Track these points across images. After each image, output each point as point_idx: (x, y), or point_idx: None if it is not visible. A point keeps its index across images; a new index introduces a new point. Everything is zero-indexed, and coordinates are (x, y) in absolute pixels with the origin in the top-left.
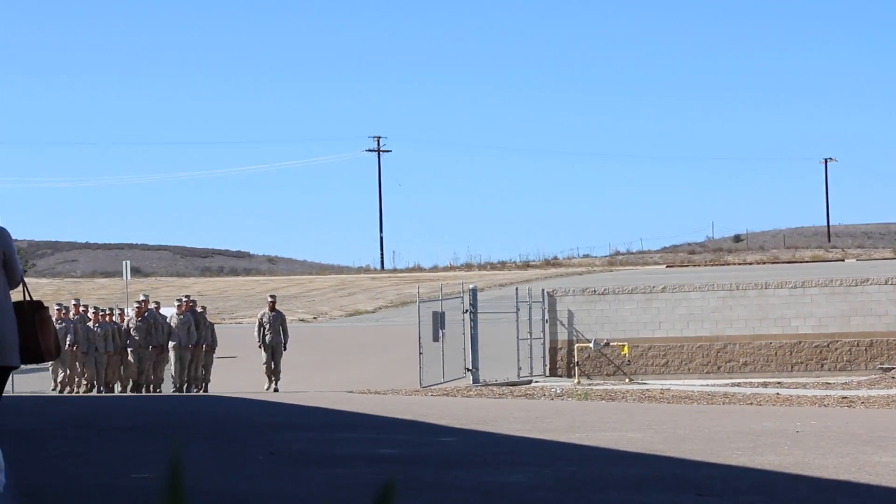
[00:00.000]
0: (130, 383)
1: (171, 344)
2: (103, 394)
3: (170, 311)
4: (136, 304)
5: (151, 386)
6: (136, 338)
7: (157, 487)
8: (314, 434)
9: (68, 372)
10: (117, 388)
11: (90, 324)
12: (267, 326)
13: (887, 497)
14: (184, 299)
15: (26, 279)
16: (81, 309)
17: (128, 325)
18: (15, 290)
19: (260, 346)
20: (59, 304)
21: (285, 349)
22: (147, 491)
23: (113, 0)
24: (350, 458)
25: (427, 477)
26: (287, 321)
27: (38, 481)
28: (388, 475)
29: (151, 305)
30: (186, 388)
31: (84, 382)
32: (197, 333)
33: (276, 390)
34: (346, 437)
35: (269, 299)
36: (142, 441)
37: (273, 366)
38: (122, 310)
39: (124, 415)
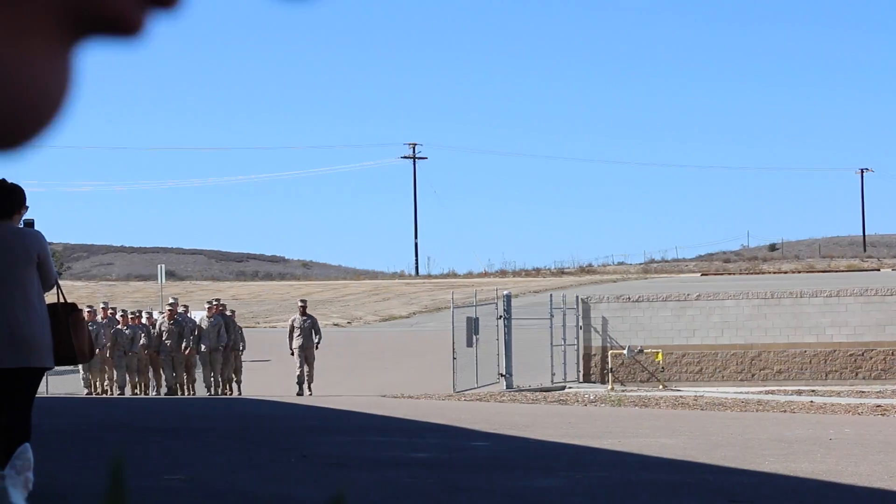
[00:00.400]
0: (164, 386)
1: (202, 347)
2: (135, 396)
3: (199, 315)
4: (167, 307)
5: (184, 389)
6: (168, 341)
7: (188, 489)
8: (347, 437)
9: (99, 374)
10: (152, 391)
11: (119, 326)
12: (298, 332)
13: None
14: (214, 302)
15: (61, 282)
16: (110, 312)
17: (159, 329)
18: (49, 292)
19: (292, 353)
20: (89, 307)
21: (317, 348)
22: (177, 492)
23: None
24: (382, 462)
25: (459, 481)
26: (320, 324)
27: (70, 481)
28: (420, 479)
29: (180, 309)
30: (219, 391)
31: (115, 385)
32: (227, 336)
33: (310, 394)
34: (378, 441)
35: (300, 304)
36: (174, 443)
37: (307, 369)
38: (150, 313)
39: (156, 417)
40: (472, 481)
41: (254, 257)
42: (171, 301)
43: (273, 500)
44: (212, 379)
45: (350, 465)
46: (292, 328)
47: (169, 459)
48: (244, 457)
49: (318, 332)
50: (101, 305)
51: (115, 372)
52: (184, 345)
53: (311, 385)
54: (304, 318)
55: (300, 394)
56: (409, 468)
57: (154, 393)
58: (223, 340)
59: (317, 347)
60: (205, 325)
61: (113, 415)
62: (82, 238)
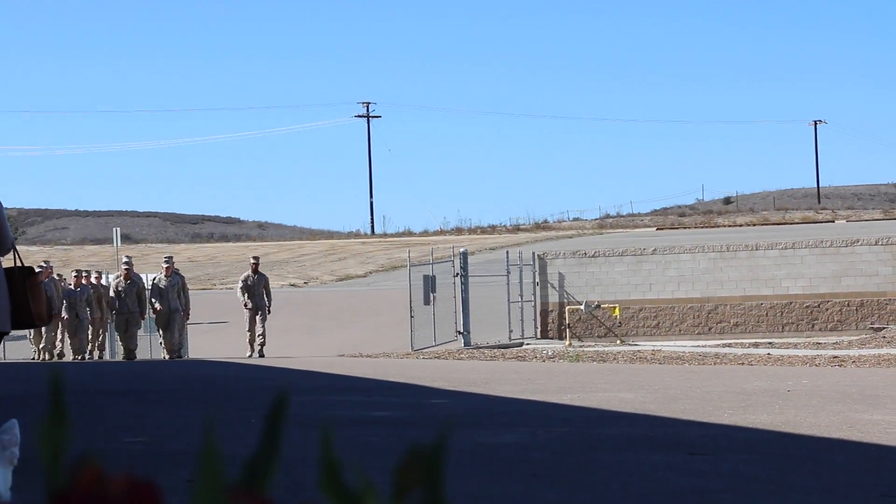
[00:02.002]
0: (122, 350)
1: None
2: (90, 359)
3: (152, 276)
4: (124, 267)
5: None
6: (128, 302)
7: (149, 451)
8: (305, 397)
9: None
10: (105, 354)
11: (71, 287)
12: (250, 290)
13: (878, 454)
14: (171, 261)
15: (17, 247)
16: (53, 273)
17: (117, 289)
18: (6, 256)
19: (246, 305)
20: (44, 262)
21: (269, 312)
22: (138, 454)
23: None
24: (342, 421)
25: (420, 439)
26: (270, 284)
27: (30, 444)
28: (380, 437)
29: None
30: (177, 355)
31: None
32: (186, 297)
33: (261, 355)
34: (337, 400)
35: (252, 261)
36: (133, 406)
37: (259, 330)
38: (99, 273)
39: (113, 380)
40: (432, 438)
41: (209, 219)
42: (125, 260)
43: (232, 461)
44: (175, 342)
45: (309, 425)
46: (245, 286)
47: (128, 422)
48: (201, 417)
49: (268, 293)
50: (42, 265)
51: (66, 335)
52: (157, 306)
53: (263, 347)
54: (256, 275)
55: (253, 354)
56: (370, 426)
57: (109, 356)
58: (184, 301)
59: (269, 311)
60: (163, 284)
61: (72, 378)
62: (36, 203)
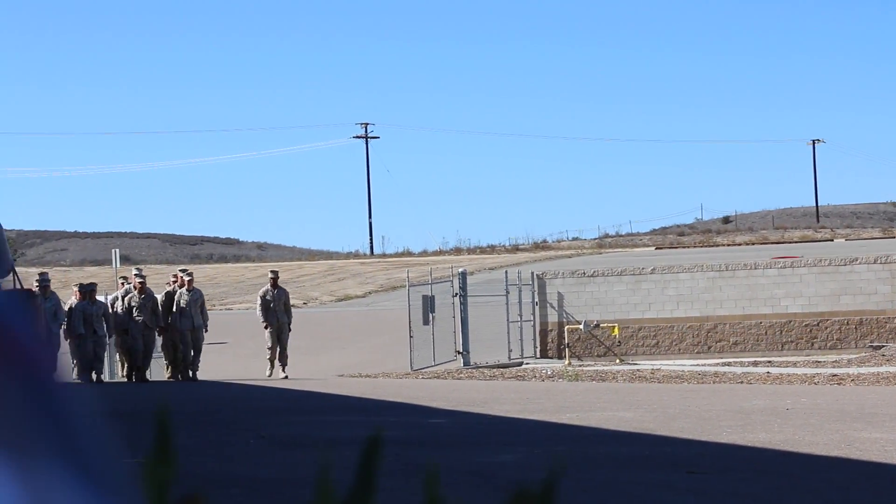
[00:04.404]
0: (126, 368)
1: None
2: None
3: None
4: (137, 280)
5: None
6: (141, 317)
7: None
8: (304, 418)
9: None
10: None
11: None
12: (271, 305)
13: (876, 472)
14: (187, 275)
15: (16, 269)
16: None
17: (129, 304)
18: (5, 278)
19: (265, 327)
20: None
21: (290, 329)
22: (135, 474)
23: None
24: (341, 441)
25: (419, 458)
26: (290, 298)
27: None
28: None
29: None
30: (190, 374)
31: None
32: (206, 313)
33: (285, 377)
34: (336, 421)
35: (271, 275)
36: (131, 427)
37: (280, 349)
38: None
39: (112, 401)
40: (432, 458)
41: (208, 240)
42: (136, 271)
43: (231, 481)
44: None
45: (308, 445)
46: (264, 300)
47: (126, 443)
48: (202, 439)
49: (288, 308)
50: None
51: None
52: (159, 323)
53: (285, 367)
54: (276, 290)
55: (275, 372)
56: None
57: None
58: (205, 318)
59: (289, 328)
60: (184, 299)
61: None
62: (35, 224)
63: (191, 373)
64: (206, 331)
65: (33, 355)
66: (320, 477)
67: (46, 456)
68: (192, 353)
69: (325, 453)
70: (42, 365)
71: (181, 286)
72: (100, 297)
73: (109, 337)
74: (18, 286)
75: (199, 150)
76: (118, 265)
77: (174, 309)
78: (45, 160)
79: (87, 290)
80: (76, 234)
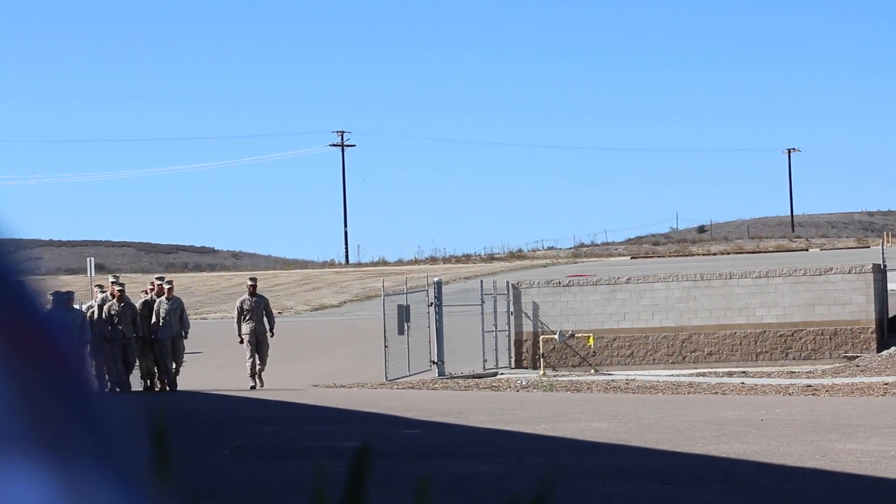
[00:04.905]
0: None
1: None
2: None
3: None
4: (116, 288)
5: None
6: (120, 327)
7: None
8: (279, 428)
9: None
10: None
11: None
12: (247, 315)
13: (850, 483)
14: (166, 283)
15: None
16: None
17: (108, 312)
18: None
19: (241, 340)
20: None
21: (272, 334)
22: None
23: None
24: (315, 451)
25: (393, 469)
26: (271, 305)
27: None
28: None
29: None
30: (169, 383)
31: None
32: (187, 322)
33: (260, 383)
34: (311, 431)
35: (249, 283)
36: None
37: (259, 359)
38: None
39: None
40: (406, 468)
41: (183, 249)
42: (113, 279)
43: (205, 492)
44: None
45: (283, 456)
46: (241, 311)
47: None
48: (176, 449)
49: (269, 315)
50: None
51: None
52: (138, 332)
53: (262, 375)
54: (254, 298)
55: (254, 387)
56: (342, 457)
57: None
58: (186, 326)
59: (271, 333)
60: (164, 308)
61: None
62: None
63: (168, 384)
64: (186, 338)
65: (77, 367)
66: (315, 487)
67: (85, 459)
68: (173, 364)
69: (298, 466)
70: (83, 375)
71: (159, 294)
72: (75, 306)
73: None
74: None
75: (175, 158)
76: (93, 274)
77: (153, 318)
78: (19, 168)
79: (64, 299)
80: (50, 243)
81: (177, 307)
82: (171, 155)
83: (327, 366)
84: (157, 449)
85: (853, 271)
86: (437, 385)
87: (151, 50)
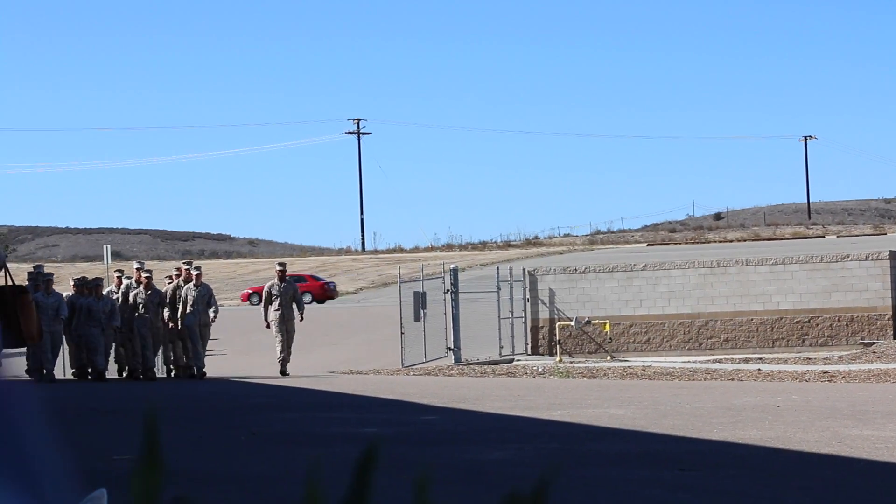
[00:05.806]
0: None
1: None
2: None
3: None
4: (144, 276)
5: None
6: (147, 315)
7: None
8: (296, 414)
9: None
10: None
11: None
12: (277, 300)
13: (867, 469)
14: (194, 269)
15: (7, 265)
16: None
17: (134, 300)
18: None
19: (267, 325)
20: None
21: (302, 319)
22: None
23: None
24: (332, 438)
25: (409, 455)
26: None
27: None
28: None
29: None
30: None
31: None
32: (216, 308)
33: (283, 373)
34: (327, 417)
35: (278, 268)
36: (125, 424)
37: (285, 345)
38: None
39: (108, 399)
40: (423, 454)
41: (199, 236)
42: (138, 265)
43: (224, 478)
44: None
45: (299, 442)
46: (269, 296)
47: (119, 440)
48: (194, 436)
49: (299, 301)
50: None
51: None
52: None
53: (287, 365)
54: (283, 283)
55: (284, 373)
56: (359, 443)
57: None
58: (216, 311)
59: (301, 318)
60: (191, 295)
61: (60, 397)
62: (27, 220)
63: (195, 370)
64: (214, 322)
65: None
66: (311, 474)
67: None
68: (202, 350)
69: (315, 452)
70: None
71: (186, 281)
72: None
73: (120, 332)
74: (10, 282)
75: (191, 146)
76: (109, 261)
77: (180, 305)
78: (36, 156)
79: (93, 286)
80: (67, 230)
81: (205, 293)
82: (188, 142)
83: (344, 352)
84: (147, 442)
85: (870, 258)
86: (453, 371)
87: (168, 39)
